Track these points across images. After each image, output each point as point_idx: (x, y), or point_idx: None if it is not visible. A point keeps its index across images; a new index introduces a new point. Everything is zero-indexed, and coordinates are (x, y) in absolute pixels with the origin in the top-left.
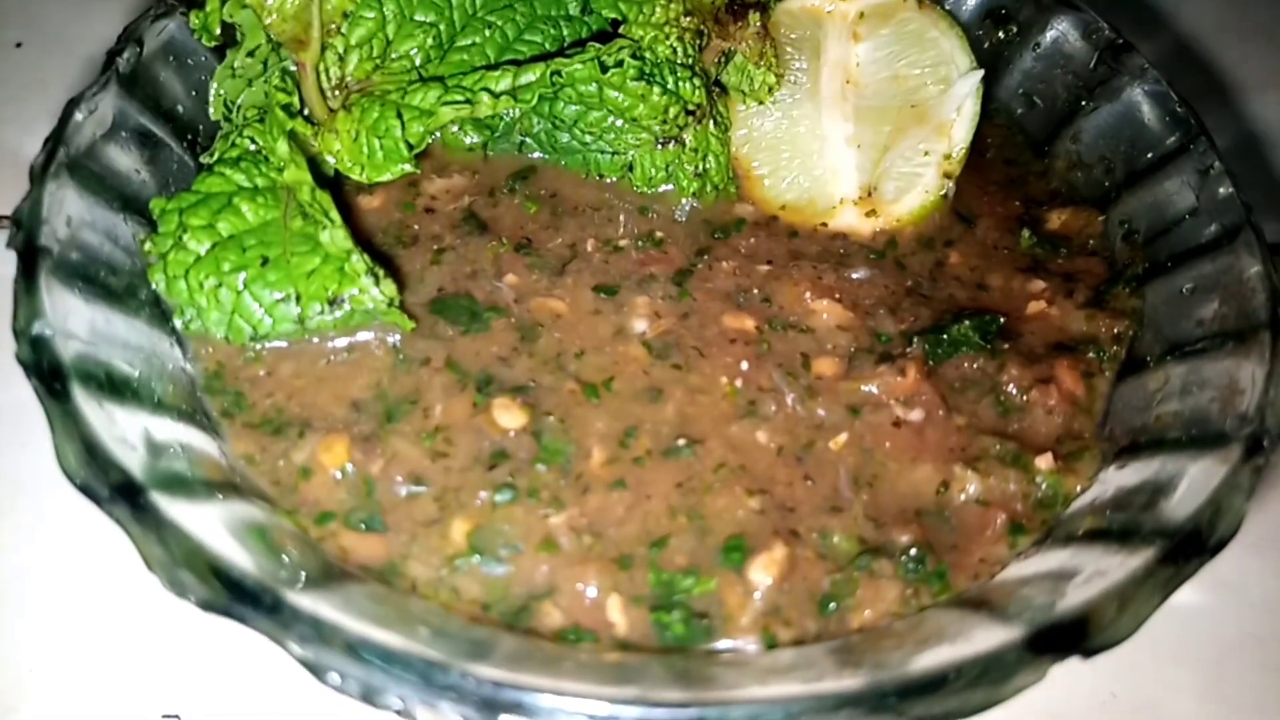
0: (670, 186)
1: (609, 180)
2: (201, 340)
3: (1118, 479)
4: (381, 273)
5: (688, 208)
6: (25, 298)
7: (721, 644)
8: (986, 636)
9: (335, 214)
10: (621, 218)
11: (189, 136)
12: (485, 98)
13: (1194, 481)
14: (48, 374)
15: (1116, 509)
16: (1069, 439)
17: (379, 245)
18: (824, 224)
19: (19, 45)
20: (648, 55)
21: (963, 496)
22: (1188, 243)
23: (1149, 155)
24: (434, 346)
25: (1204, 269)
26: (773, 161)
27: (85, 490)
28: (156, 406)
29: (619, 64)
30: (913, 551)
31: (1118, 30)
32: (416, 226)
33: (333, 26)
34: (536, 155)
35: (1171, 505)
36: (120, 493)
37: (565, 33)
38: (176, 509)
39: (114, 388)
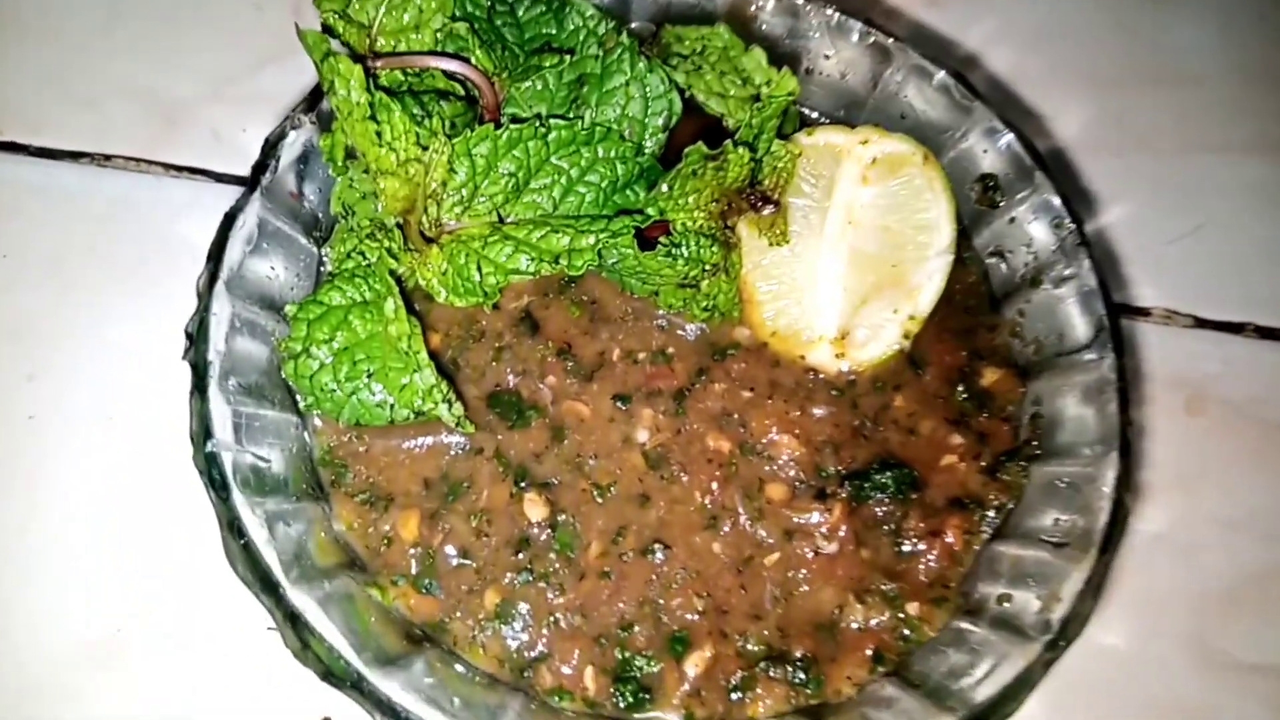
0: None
1: (638, 296)
2: (320, 419)
3: (953, 637)
4: (453, 398)
5: (697, 330)
6: (198, 415)
7: (653, 714)
8: None
9: (423, 355)
10: (644, 331)
11: (315, 233)
12: (545, 265)
13: (999, 665)
14: (216, 484)
15: (940, 666)
16: (938, 585)
17: (455, 337)
18: (802, 356)
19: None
20: (678, 229)
21: (850, 622)
22: (1071, 445)
23: (1066, 352)
24: (486, 439)
25: (1074, 471)
26: (773, 291)
27: (242, 580)
28: (286, 491)
29: (651, 244)
30: (801, 661)
31: (1080, 224)
32: (484, 322)
33: (435, 190)
34: None
35: (974, 680)
36: (265, 587)
37: (620, 171)
38: (300, 599)
39: (259, 483)
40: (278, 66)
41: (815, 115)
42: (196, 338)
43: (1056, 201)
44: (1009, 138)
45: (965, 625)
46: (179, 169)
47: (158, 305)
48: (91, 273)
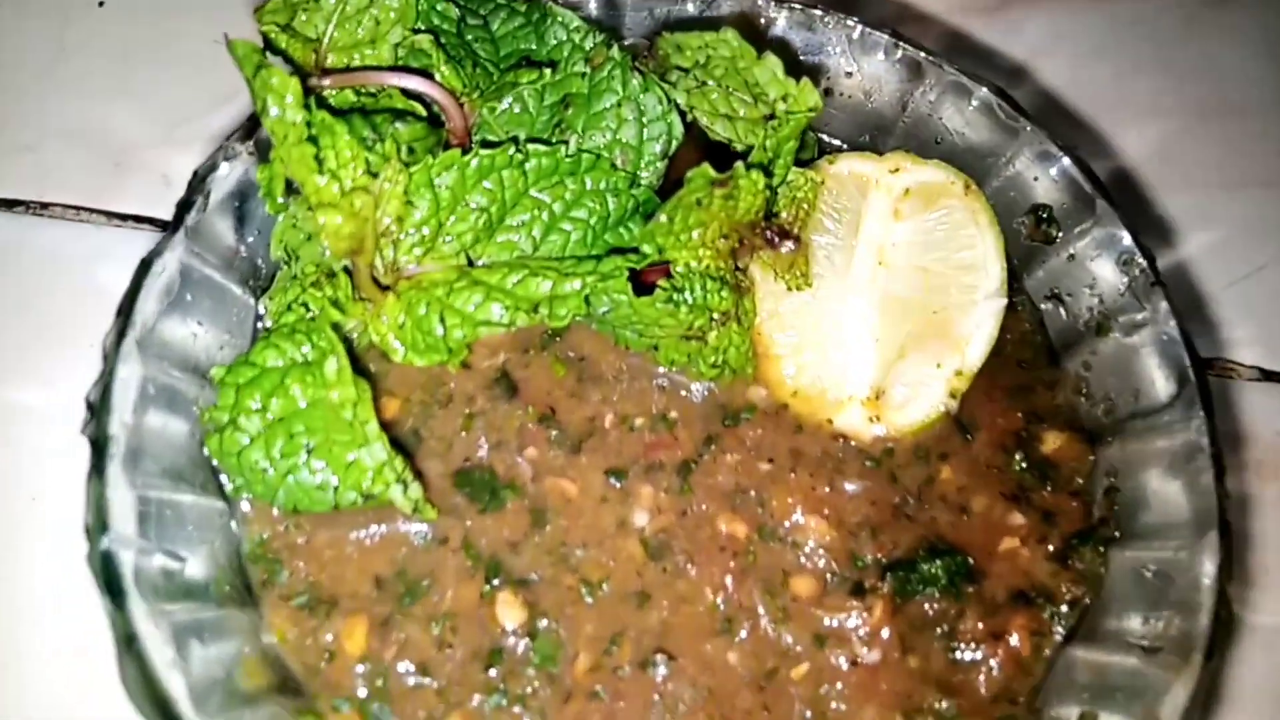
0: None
1: (634, 351)
2: (250, 504)
3: None
4: (410, 477)
5: (704, 390)
6: (94, 503)
7: None
8: None
9: (373, 425)
10: (642, 392)
11: (251, 283)
12: (522, 315)
13: None
14: (111, 589)
15: None
16: (1004, 700)
17: (416, 404)
18: (830, 420)
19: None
20: (680, 270)
21: None
22: (1158, 525)
23: (1146, 413)
24: (453, 526)
25: (1164, 557)
26: (793, 343)
27: (140, 713)
28: (205, 597)
29: (649, 288)
30: None
31: (1152, 261)
32: (452, 385)
33: (389, 230)
34: None
35: None
36: None
37: (612, 205)
38: None
39: (169, 587)
40: (238, 106)
41: (836, 143)
42: (98, 408)
43: (1124, 235)
44: (1064, 162)
45: None
46: (123, 217)
47: (92, 367)
48: (17, 330)
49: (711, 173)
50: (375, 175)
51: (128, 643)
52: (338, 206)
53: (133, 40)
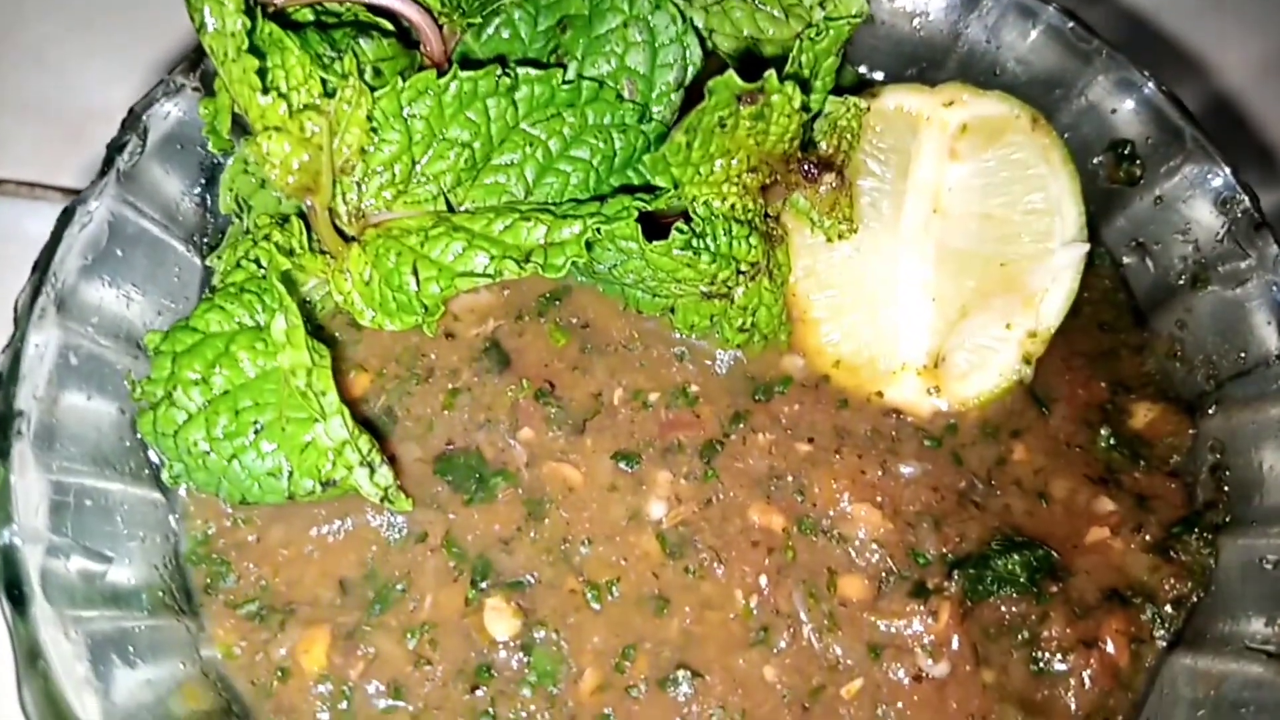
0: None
1: (647, 315)
2: (191, 495)
3: None
4: (378, 459)
5: (730, 359)
6: None
7: None
8: None
9: (333, 397)
10: (657, 362)
11: (197, 239)
12: (510, 265)
13: None
14: (9, 590)
15: None
16: None
17: (391, 378)
18: (879, 393)
19: None
20: (700, 212)
21: None
22: (1277, 507)
23: (1255, 376)
24: (433, 519)
25: None
26: (835, 304)
27: None
28: (135, 605)
29: (662, 232)
30: None
31: (1256, 200)
32: (433, 356)
33: (349, 164)
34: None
35: None
36: None
37: (619, 144)
38: None
39: (89, 593)
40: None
41: (879, 79)
42: (5, 377)
43: (1221, 172)
44: (1147, 90)
45: None
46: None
47: None
48: None
49: (738, 82)
50: (332, 95)
51: (30, 658)
52: (285, 130)
53: (96, 8)
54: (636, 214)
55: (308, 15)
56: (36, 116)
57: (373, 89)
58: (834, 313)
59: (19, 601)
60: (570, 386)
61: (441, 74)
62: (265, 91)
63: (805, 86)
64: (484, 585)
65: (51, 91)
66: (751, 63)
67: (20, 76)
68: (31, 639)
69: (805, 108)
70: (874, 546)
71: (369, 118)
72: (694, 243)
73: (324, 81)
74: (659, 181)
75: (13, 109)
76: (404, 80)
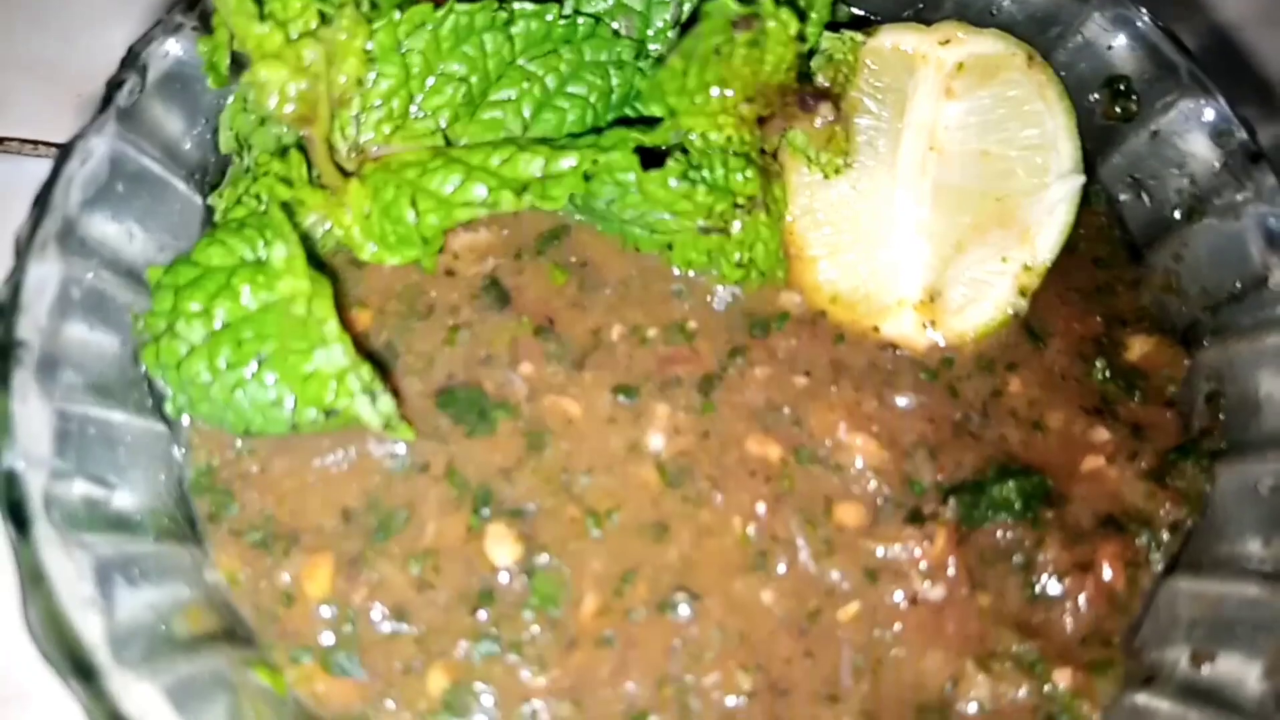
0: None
1: (645, 253)
2: (195, 426)
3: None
4: (380, 387)
5: (728, 296)
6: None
7: None
8: None
9: (333, 325)
10: (655, 299)
11: (199, 177)
12: (507, 196)
13: None
14: (13, 513)
15: None
16: (1095, 642)
17: (391, 314)
18: (876, 328)
19: None
20: (697, 144)
21: (969, 702)
22: (1275, 434)
23: (1251, 305)
24: (435, 450)
25: None
26: (831, 242)
27: (45, 658)
28: (139, 530)
29: (659, 164)
30: None
31: (1252, 133)
32: (433, 293)
33: (347, 96)
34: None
35: None
36: (78, 670)
37: (615, 81)
38: (134, 691)
39: (92, 519)
40: None
41: (874, 18)
42: (6, 307)
43: (1217, 105)
44: (1142, 24)
45: (1144, 701)
46: None
47: None
48: None
49: (732, 6)
50: (329, 23)
51: (33, 579)
52: (281, 58)
53: None
54: (633, 147)
55: None
56: (38, 75)
57: (369, 21)
58: (831, 250)
59: (22, 524)
60: (569, 323)
61: (438, 6)
62: (263, 20)
63: (801, 15)
64: (485, 513)
65: (53, 50)
66: None
67: (21, 35)
68: (34, 561)
69: (802, 37)
70: (870, 475)
71: (363, 47)
72: (690, 173)
73: (321, 15)
74: (655, 111)
75: (14, 67)
76: (400, 13)
